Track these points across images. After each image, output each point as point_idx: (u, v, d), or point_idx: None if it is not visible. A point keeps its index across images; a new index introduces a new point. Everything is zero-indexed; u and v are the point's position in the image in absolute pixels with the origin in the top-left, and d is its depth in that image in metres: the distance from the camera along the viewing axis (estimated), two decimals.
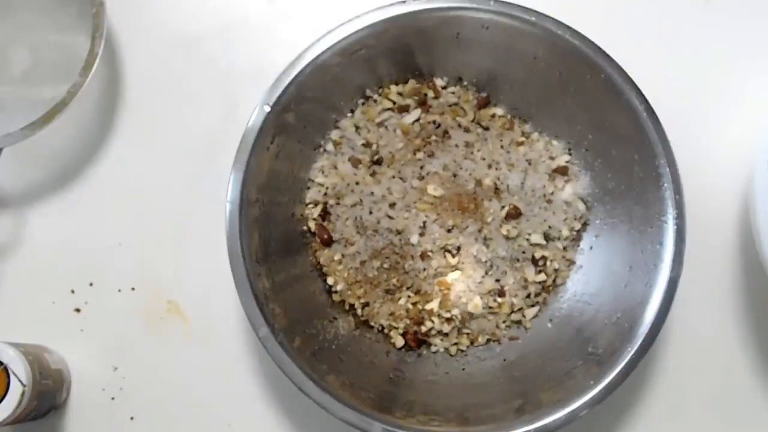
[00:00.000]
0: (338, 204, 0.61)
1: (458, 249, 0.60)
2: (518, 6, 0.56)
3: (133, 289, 0.64)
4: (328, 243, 0.61)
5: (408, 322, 0.60)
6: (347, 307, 0.61)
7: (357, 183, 0.61)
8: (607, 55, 0.56)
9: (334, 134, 0.62)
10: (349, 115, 0.62)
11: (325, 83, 0.58)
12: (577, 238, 0.61)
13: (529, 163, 0.61)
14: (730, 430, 0.62)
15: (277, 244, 0.58)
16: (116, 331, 0.63)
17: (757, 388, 0.62)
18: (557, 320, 0.60)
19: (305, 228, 0.61)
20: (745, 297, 0.63)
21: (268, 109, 0.54)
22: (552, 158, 0.61)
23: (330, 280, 0.61)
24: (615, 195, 0.59)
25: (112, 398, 0.63)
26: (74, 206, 0.65)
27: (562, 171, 0.61)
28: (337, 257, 0.61)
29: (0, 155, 0.60)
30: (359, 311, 0.61)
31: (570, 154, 0.61)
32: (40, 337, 0.63)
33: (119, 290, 0.64)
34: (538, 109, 0.62)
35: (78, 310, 0.64)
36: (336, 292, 0.61)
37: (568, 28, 0.56)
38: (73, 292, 0.64)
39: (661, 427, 0.61)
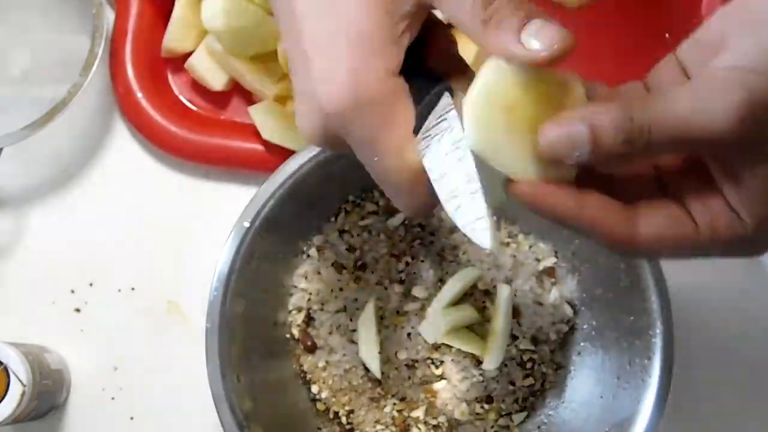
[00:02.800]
0: (322, 310, 0.60)
1: (442, 362, 0.59)
2: None
3: (133, 289, 0.64)
4: (311, 350, 0.60)
5: (394, 429, 0.59)
6: (332, 416, 0.60)
7: (341, 289, 0.60)
8: None
9: (317, 240, 0.61)
10: (333, 220, 0.61)
11: (308, 191, 0.56)
12: (564, 342, 0.60)
13: (516, 265, 0.60)
14: None
15: (260, 346, 0.58)
16: (116, 331, 0.63)
17: None
18: (545, 427, 0.59)
19: (288, 335, 0.60)
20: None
21: (247, 225, 0.54)
22: (538, 260, 0.60)
23: (314, 388, 0.60)
24: (602, 302, 0.58)
25: (112, 398, 0.63)
26: (74, 206, 0.65)
27: (549, 273, 0.60)
28: (321, 364, 0.60)
29: (0, 155, 0.60)
30: (344, 419, 0.59)
31: (557, 257, 0.60)
32: (40, 337, 0.63)
33: (119, 290, 0.64)
34: (523, 211, 0.60)
35: (78, 310, 0.64)
36: (320, 400, 0.60)
37: None
38: (73, 292, 0.64)
39: None
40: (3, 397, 0.55)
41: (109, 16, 0.64)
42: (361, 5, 0.36)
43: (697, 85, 0.35)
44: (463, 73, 0.39)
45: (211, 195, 0.65)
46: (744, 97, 0.33)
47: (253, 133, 0.62)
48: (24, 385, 0.55)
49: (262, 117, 0.61)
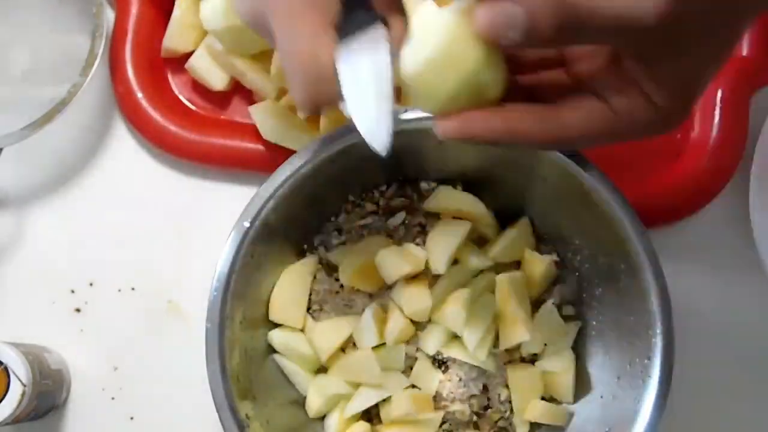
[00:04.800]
0: (321, 310, 0.60)
1: (444, 362, 0.59)
2: None
3: (133, 289, 0.64)
4: None
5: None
6: None
7: (341, 287, 0.60)
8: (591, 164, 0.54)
9: (317, 239, 0.61)
10: (333, 219, 0.61)
11: (308, 191, 0.56)
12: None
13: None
14: None
15: (260, 346, 0.59)
16: (116, 331, 0.63)
17: None
18: (545, 427, 0.59)
19: None
20: None
21: (247, 225, 0.54)
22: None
23: None
24: (602, 302, 0.59)
25: (112, 398, 0.63)
26: (74, 206, 0.65)
27: (549, 273, 0.60)
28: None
29: (0, 155, 0.60)
30: None
31: (558, 255, 0.61)
32: (40, 337, 0.63)
33: (119, 290, 0.64)
34: (525, 208, 0.61)
35: (78, 310, 0.64)
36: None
37: None
38: (73, 292, 0.64)
39: None
40: (3, 397, 0.55)
41: (109, 16, 0.64)
42: None
43: None
44: (401, 14, 0.41)
45: (211, 195, 0.65)
46: None
47: (253, 133, 0.62)
48: (24, 385, 0.55)
49: (262, 117, 0.61)
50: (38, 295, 0.64)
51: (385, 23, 0.41)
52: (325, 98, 0.41)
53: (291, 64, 0.40)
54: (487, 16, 0.36)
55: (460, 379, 0.58)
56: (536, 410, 0.58)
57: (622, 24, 0.35)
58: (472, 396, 0.58)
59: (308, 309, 0.60)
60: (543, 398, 0.59)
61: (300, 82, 0.40)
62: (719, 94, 0.62)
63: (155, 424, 0.63)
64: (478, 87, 0.39)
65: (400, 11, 0.42)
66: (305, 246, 0.61)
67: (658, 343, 0.53)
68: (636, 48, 0.38)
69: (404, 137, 0.54)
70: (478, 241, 0.60)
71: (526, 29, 0.35)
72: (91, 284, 0.64)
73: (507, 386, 0.59)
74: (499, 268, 0.60)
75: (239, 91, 0.65)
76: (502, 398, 0.59)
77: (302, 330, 0.59)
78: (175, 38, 0.64)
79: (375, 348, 0.58)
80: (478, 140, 0.39)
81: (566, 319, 0.60)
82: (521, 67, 0.43)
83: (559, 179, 0.54)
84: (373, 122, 0.39)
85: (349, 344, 0.59)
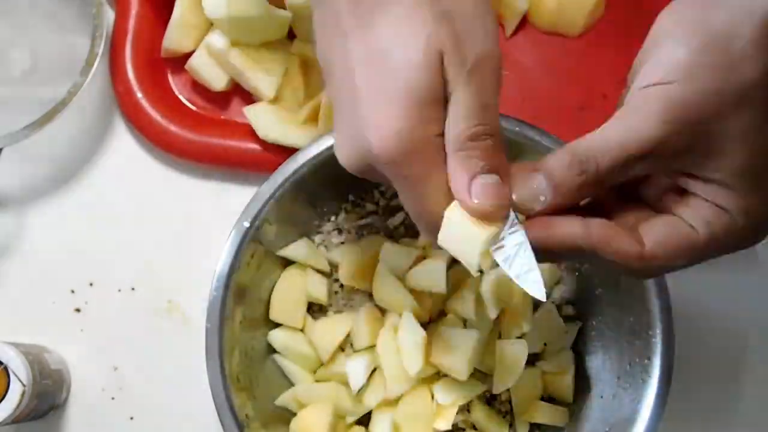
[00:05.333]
0: (321, 310, 0.60)
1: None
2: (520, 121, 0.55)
3: (133, 289, 0.64)
4: None
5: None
6: None
7: (336, 292, 0.60)
8: None
9: (317, 239, 0.61)
10: (333, 219, 0.61)
11: (308, 191, 0.57)
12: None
13: None
14: None
15: (260, 346, 0.59)
16: (116, 331, 0.63)
17: None
18: (545, 427, 0.59)
19: None
20: None
21: (247, 225, 0.54)
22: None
23: None
24: (602, 302, 0.59)
25: (112, 398, 0.63)
26: (74, 206, 0.65)
27: (549, 273, 0.60)
28: None
29: (0, 155, 0.60)
30: None
31: None
32: (40, 337, 0.63)
33: (119, 290, 0.64)
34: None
35: (78, 310, 0.64)
36: None
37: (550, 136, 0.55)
38: (73, 292, 0.64)
39: None
40: (3, 397, 0.55)
41: (109, 16, 0.64)
42: (417, 68, 0.39)
43: (622, 111, 0.40)
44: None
45: (211, 195, 0.65)
46: (661, 105, 0.38)
47: (253, 133, 0.62)
48: (24, 385, 0.55)
49: (256, 115, 0.62)
50: (38, 295, 0.64)
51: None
52: None
53: (417, 219, 0.43)
54: (518, 196, 0.40)
55: None
56: (536, 410, 0.58)
57: (630, 153, 0.39)
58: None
59: (308, 309, 0.60)
60: (543, 398, 0.59)
61: (426, 230, 0.43)
62: None
63: (155, 424, 0.63)
64: None
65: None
66: None
67: (658, 343, 0.53)
68: (670, 166, 0.40)
69: None
70: None
71: (553, 190, 0.40)
72: (91, 284, 0.64)
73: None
74: None
75: (239, 91, 0.65)
76: (503, 398, 0.59)
77: (302, 330, 0.59)
78: (175, 38, 0.64)
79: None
80: (557, 245, 0.41)
81: (566, 319, 0.60)
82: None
83: None
84: (521, 266, 0.40)
85: (347, 343, 0.59)
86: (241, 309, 0.56)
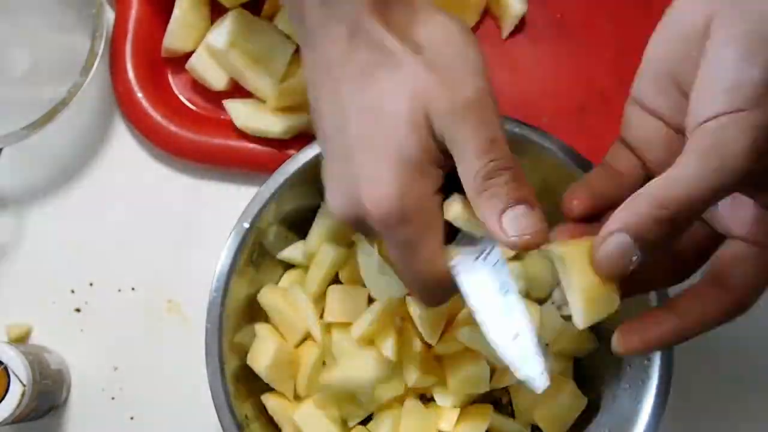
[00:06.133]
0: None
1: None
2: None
3: (133, 289, 0.64)
4: None
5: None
6: None
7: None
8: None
9: None
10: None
11: (308, 191, 0.56)
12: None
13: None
14: None
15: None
16: (116, 331, 0.63)
17: None
18: None
19: None
20: None
21: (247, 225, 0.54)
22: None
23: None
24: None
25: (112, 398, 0.63)
26: (74, 206, 0.65)
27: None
28: None
29: (0, 155, 0.60)
30: None
31: None
32: (40, 337, 0.63)
33: (119, 290, 0.64)
34: None
35: (78, 310, 0.64)
36: None
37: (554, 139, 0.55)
38: (73, 292, 0.64)
39: None
40: (3, 397, 0.55)
41: (109, 16, 0.64)
42: (405, 125, 0.39)
43: (705, 148, 0.35)
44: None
45: (211, 195, 0.65)
46: (748, 141, 0.34)
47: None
48: (24, 385, 0.55)
49: (235, 106, 0.62)
50: (38, 295, 0.64)
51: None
52: (444, 300, 0.44)
53: (409, 280, 0.42)
54: (606, 262, 0.36)
55: None
56: (537, 411, 0.58)
57: (717, 193, 0.35)
58: None
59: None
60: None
61: (417, 291, 0.43)
62: None
63: (155, 424, 0.63)
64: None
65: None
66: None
67: None
68: (749, 188, 0.38)
69: None
70: None
71: (642, 248, 0.36)
72: (91, 284, 0.64)
73: (507, 389, 0.59)
74: None
75: (239, 91, 0.65)
76: (503, 401, 0.59)
77: None
78: (175, 38, 0.64)
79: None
80: (659, 345, 0.40)
81: (566, 319, 0.60)
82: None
83: (558, 179, 0.54)
84: (519, 354, 0.39)
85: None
86: (241, 309, 0.56)
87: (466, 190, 0.39)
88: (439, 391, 0.56)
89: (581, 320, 0.38)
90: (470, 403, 0.57)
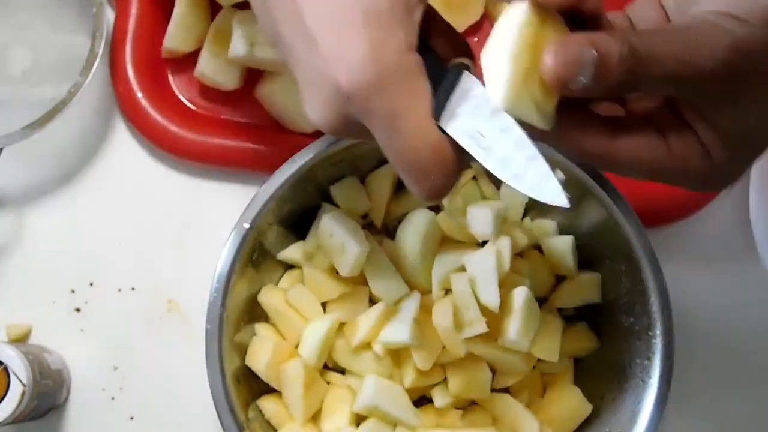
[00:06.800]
0: None
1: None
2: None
3: (133, 289, 0.64)
4: None
5: None
6: None
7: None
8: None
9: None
10: None
11: (308, 192, 0.57)
12: None
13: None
14: None
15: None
16: (116, 331, 0.63)
17: None
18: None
19: None
20: None
21: (247, 226, 0.54)
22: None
23: None
24: (602, 303, 0.58)
25: (112, 398, 0.63)
26: (74, 206, 0.65)
27: None
28: None
29: (0, 155, 0.60)
30: None
31: None
32: (40, 337, 0.63)
33: (119, 290, 0.64)
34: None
35: (78, 310, 0.64)
36: None
37: None
38: (73, 292, 0.64)
39: None
40: (3, 397, 0.55)
41: (109, 16, 0.64)
42: None
43: (691, 27, 0.37)
44: (466, 54, 0.40)
45: (211, 195, 0.65)
46: (729, 42, 0.36)
47: (254, 132, 0.62)
48: (24, 385, 0.55)
49: (205, 58, 0.62)
50: (38, 295, 0.64)
51: (462, 60, 0.39)
52: (444, 184, 0.39)
53: (401, 160, 0.38)
54: (559, 59, 0.35)
55: None
56: (540, 416, 0.58)
57: (685, 75, 0.36)
58: None
59: None
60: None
61: (415, 178, 0.38)
62: None
63: (155, 424, 0.63)
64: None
65: (465, 52, 0.40)
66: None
67: (658, 343, 0.53)
68: (695, 98, 0.38)
69: None
70: None
71: (596, 74, 0.35)
72: (91, 284, 0.64)
73: (508, 389, 0.59)
74: None
75: (239, 90, 0.65)
76: None
77: None
78: (175, 38, 0.64)
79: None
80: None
81: (567, 319, 0.60)
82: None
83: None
84: (532, 180, 0.37)
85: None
86: (241, 309, 0.55)
87: None
88: (438, 392, 0.56)
89: (502, 98, 0.36)
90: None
